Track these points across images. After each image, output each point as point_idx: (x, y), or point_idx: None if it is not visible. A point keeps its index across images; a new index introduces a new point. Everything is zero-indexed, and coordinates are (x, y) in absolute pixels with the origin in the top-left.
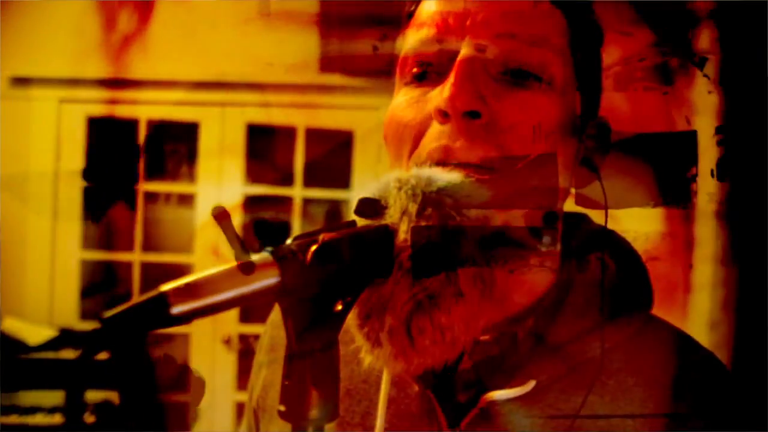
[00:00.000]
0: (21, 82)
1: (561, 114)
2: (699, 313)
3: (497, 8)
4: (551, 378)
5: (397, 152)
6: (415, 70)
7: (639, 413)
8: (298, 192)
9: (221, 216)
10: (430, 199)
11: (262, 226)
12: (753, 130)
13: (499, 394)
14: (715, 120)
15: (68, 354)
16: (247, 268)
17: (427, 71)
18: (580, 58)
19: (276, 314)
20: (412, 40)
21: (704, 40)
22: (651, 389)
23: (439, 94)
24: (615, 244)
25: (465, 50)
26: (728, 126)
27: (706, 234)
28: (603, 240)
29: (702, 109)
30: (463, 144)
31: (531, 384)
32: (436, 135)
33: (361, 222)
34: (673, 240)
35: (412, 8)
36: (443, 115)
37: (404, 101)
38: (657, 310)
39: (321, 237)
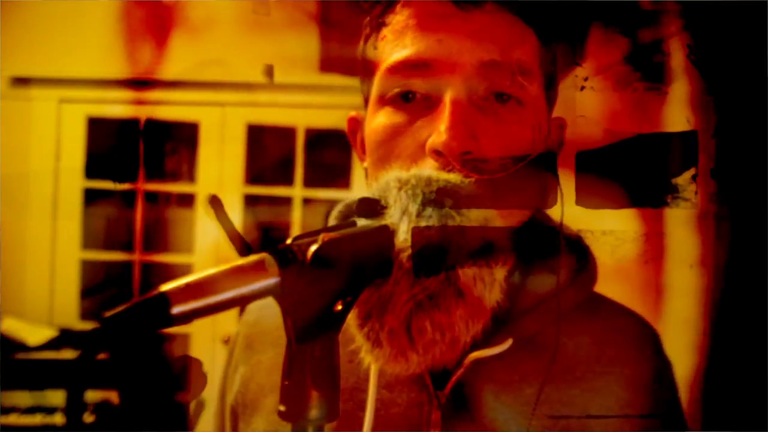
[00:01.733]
0: (21, 82)
1: (537, 131)
2: (675, 315)
3: (480, 34)
4: (524, 338)
5: (383, 172)
6: (397, 90)
7: (596, 366)
8: (298, 192)
9: (215, 203)
10: (430, 199)
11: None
12: (734, 133)
13: (479, 354)
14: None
15: (68, 354)
16: (245, 251)
17: (413, 95)
18: (548, 75)
19: (249, 315)
20: (394, 62)
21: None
22: (603, 345)
23: (432, 131)
24: (567, 236)
25: (456, 88)
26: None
27: (685, 236)
28: (557, 235)
29: (675, 125)
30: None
31: (508, 342)
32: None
33: (361, 222)
34: (654, 241)
35: (383, 17)
36: (439, 155)
37: (390, 126)
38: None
39: (321, 237)
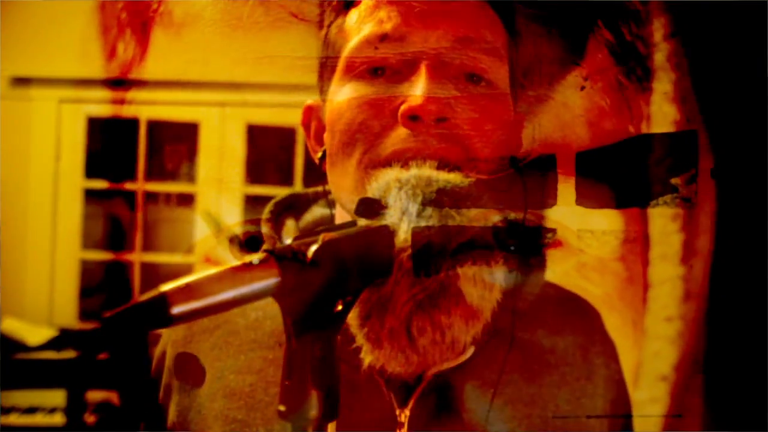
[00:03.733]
0: (21, 82)
1: (507, 114)
2: (657, 308)
3: (455, 10)
4: (481, 342)
5: (346, 149)
6: (368, 64)
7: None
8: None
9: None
10: (430, 199)
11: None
12: (730, 131)
13: (440, 366)
14: (673, 131)
15: (68, 354)
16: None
17: (382, 70)
18: (513, 58)
19: (176, 332)
20: (369, 35)
21: (659, 38)
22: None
23: (407, 98)
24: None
25: (431, 60)
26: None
27: (666, 231)
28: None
29: (660, 120)
30: (432, 146)
31: (470, 351)
32: (403, 137)
33: (361, 222)
34: (633, 237)
35: None
36: (414, 119)
37: (358, 97)
38: (617, 300)
39: (321, 237)
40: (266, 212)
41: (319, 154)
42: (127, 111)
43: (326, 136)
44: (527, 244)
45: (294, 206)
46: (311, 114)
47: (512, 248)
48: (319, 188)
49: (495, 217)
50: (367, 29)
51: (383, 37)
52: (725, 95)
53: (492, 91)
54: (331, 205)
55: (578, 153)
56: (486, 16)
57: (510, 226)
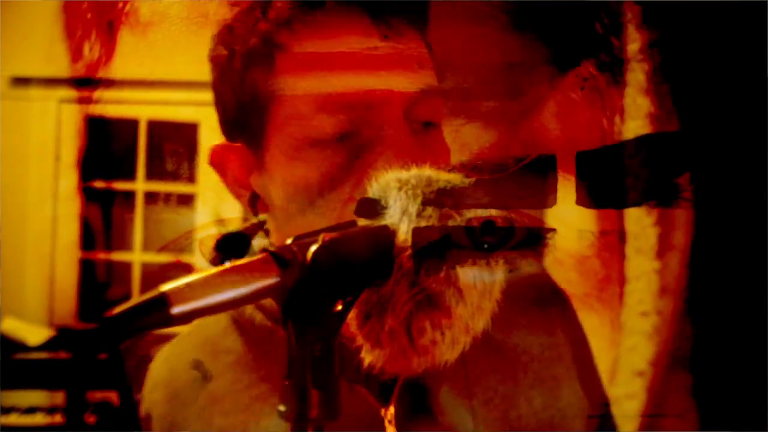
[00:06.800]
0: (21, 82)
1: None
2: (633, 302)
3: (411, 60)
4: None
5: (318, 204)
6: (334, 131)
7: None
8: None
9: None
10: (430, 199)
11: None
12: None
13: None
14: (646, 123)
15: (68, 354)
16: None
17: (349, 135)
18: None
19: (155, 392)
20: (327, 101)
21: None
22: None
23: (375, 166)
24: None
25: (399, 120)
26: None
27: (642, 225)
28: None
29: (633, 113)
30: None
31: None
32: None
33: (361, 222)
34: (608, 235)
35: (277, 38)
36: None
37: (328, 172)
38: (596, 300)
39: (321, 237)
40: (207, 255)
41: (247, 197)
42: (127, 111)
43: (278, 189)
44: (501, 243)
45: (233, 247)
46: (226, 155)
47: (486, 246)
48: (250, 222)
49: (496, 218)
50: (322, 93)
51: (346, 103)
52: (701, 89)
53: (438, 131)
54: (267, 234)
55: (583, 153)
56: (428, 55)
57: (485, 224)
